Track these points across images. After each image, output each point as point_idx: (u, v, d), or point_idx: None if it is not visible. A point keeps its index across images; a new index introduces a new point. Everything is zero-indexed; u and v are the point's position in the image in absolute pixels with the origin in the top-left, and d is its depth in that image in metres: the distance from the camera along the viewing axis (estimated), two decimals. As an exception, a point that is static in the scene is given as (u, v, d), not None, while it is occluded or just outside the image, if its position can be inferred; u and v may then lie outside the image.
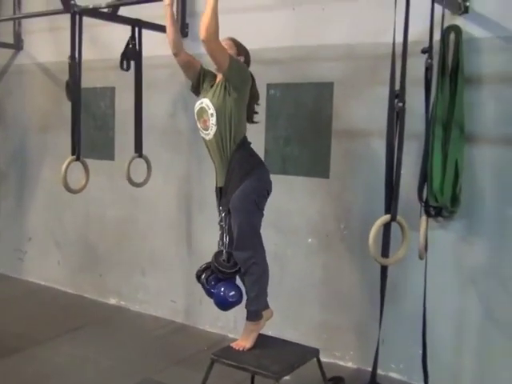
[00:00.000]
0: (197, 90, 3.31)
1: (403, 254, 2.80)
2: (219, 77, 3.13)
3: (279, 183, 4.04)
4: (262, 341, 3.19)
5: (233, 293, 3.14)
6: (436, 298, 3.40)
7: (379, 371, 3.54)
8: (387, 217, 2.71)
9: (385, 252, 2.78)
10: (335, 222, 3.90)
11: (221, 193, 3.20)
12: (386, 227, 2.75)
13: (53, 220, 5.53)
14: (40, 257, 5.68)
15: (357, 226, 3.77)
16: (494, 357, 3.41)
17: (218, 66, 3.00)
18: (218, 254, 3.21)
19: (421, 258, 3.09)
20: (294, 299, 4.10)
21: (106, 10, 3.88)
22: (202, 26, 2.86)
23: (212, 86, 3.17)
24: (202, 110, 3.11)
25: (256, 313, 3.16)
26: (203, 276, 3.24)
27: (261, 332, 3.27)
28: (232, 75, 2.99)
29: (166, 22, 3.28)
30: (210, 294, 3.25)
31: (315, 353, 3.15)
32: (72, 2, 3.65)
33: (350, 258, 3.86)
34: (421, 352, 3.15)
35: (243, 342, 3.14)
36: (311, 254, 4.02)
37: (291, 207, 4.07)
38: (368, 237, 2.65)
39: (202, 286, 3.27)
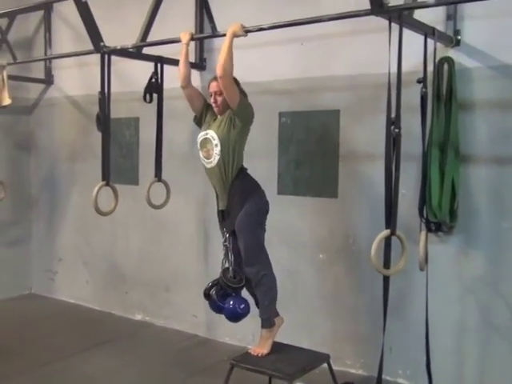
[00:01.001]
0: (199, 122, 3.68)
1: (403, 265, 3.08)
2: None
3: (291, 203, 4.39)
4: (277, 347, 3.49)
5: (243, 305, 3.47)
6: (438, 307, 3.64)
7: (388, 377, 3.82)
8: (387, 231, 3.00)
9: (386, 263, 3.07)
10: (344, 239, 4.19)
11: (223, 215, 3.53)
12: (387, 241, 3.04)
13: (81, 242, 5.90)
14: (69, 276, 6.04)
15: (364, 242, 4.03)
16: (494, 362, 3.65)
17: (230, 100, 3.35)
18: (225, 271, 3.51)
19: (421, 269, 3.35)
20: (307, 311, 4.39)
21: (131, 49, 4.25)
22: (219, 64, 3.26)
23: (215, 120, 3.52)
24: (206, 141, 3.47)
25: (269, 320, 3.47)
26: (213, 292, 3.53)
27: (278, 340, 3.58)
28: (240, 111, 3.37)
29: (181, 58, 3.67)
30: (217, 308, 3.56)
31: (326, 358, 3.43)
32: (102, 44, 4.05)
33: (359, 271, 4.14)
34: (425, 359, 3.39)
35: (260, 349, 3.44)
36: (322, 269, 4.31)
37: (303, 225, 4.38)
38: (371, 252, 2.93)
39: (212, 301, 3.55)
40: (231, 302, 3.47)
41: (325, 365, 3.50)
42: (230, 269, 3.49)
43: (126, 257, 5.55)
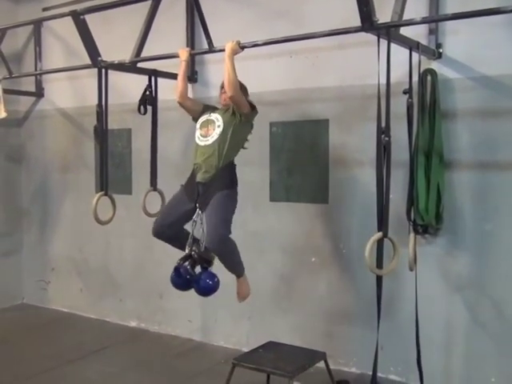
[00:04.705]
0: (196, 120, 3.88)
1: (395, 265, 3.28)
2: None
3: (283, 209, 4.56)
4: (276, 347, 3.67)
5: (216, 279, 3.63)
6: (427, 306, 3.80)
7: (380, 374, 3.98)
8: (380, 234, 3.19)
9: (379, 264, 3.26)
10: (335, 242, 4.38)
11: (197, 187, 3.66)
12: (379, 243, 3.24)
13: (74, 251, 5.98)
14: (63, 286, 6.11)
15: (354, 245, 4.23)
16: (480, 356, 3.85)
17: (240, 110, 3.60)
18: (197, 246, 3.64)
19: (411, 269, 3.54)
20: (301, 313, 4.55)
21: (127, 63, 4.38)
22: (227, 85, 3.48)
23: (216, 110, 3.77)
24: (209, 121, 3.71)
25: (241, 271, 3.72)
26: (186, 264, 3.63)
27: (274, 340, 3.75)
28: (247, 119, 3.67)
29: (179, 75, 3.82)
30: (186, 283, 3.64)
31: (323, 356, 3.60)
32: (99, 58, 4.18)
33: (350, 273, 4.32)
34: (416, 355, 3.58)
35: (244, 292, 3.74)
36: (315, 272, 4.48)
37: (295, 231, 4.55)
38: (364, 253, 3.12)
39: (182, 276, 3.63)
40: (202, 277, 3.61)
41: (319, 364, 3.66)
42: (202, 244, 3.62)
43: (120, 265, 5.65)
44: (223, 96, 3.74)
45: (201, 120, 3.77)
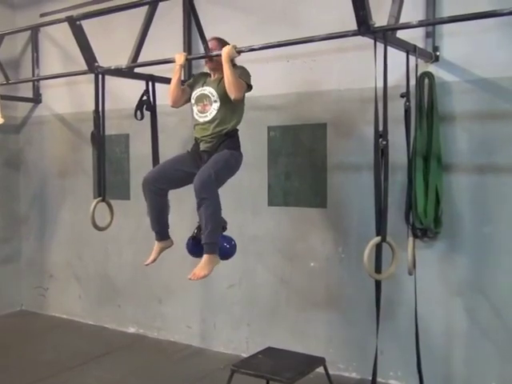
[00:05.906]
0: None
1: (394, 269, 3.25)
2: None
3: (282, 214, 4.55)
4: (276, 353, 3.63)
5: (233, 242, 3.74)
6: (426, 310, 3.79)
7: (380, 379, 3.95)
8: (378, 238, 3.17)
9: (378, 268, 3.24)
10: (334, 247, 4.36)
11: (202, 156, 3.65)
12: (378, 247, 3.21)
13: (73, 257, 5.96)
14: (61, 292, 6.08)
15: (353, 249, 4.21)
16: (480, 360, 3.83)
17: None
18: None
19: (410, 273, 3.53)
20: (301, 318, 4.53)
21: (124, 69, 4.36)
22: (231, 89, 3.47)
23: (209, 79, 3.74)
24: (204, 96, 3.67)
25: (213, 245, 3.52)
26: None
27: (273, 346, 3.72)
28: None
29: (173, 79, 3.78)
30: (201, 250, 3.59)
31: (322, 361, 3.57)
32: (96, 64, 4.17)
33: (349, 278, 4.30)
34: (416, 360, 3.54)
35: (201, 271, 3.52)
36: (314, 277, 4.46)
37: (294, 235, 4.53)
38: (363, 258, 3.10)
39: (197, 242, 3.68)
40: (223, 242, 3.66)
41: (319, 369, 3.63)
42: None
43: (119, 270, 5.63)
44: (209, 64, 3.75)
45: (195, 95, 3.73)
